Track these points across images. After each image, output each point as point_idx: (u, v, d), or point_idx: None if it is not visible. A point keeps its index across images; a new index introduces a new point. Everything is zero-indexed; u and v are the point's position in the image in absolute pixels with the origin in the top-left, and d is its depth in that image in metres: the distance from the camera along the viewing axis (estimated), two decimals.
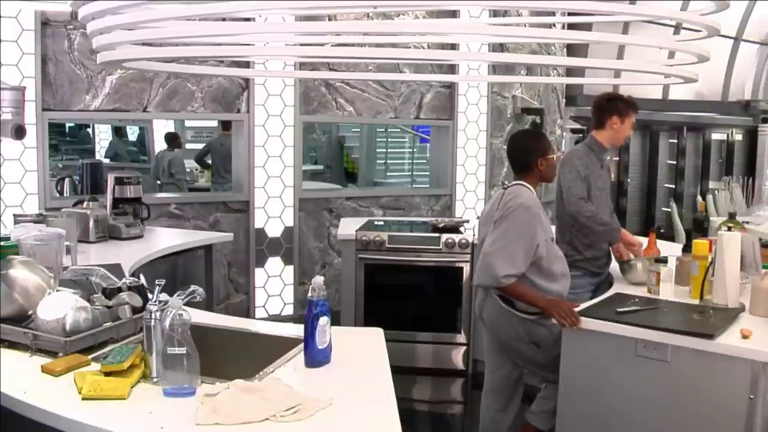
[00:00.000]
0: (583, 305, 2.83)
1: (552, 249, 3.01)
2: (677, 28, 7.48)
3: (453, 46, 5.32)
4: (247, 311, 5.63)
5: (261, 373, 1.98)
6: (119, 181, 4.39)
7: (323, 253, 6.03)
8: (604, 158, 3.66)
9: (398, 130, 10.30)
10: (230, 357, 2.24)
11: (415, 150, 10.74)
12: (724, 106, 10.68)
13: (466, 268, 4.52)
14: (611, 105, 3.55)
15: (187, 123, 9.89)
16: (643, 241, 3.58)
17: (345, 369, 2.07)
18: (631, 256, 3.41)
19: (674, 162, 10.50)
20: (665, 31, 8.16)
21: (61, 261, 2.86)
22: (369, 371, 2.07)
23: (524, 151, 3.07)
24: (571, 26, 4.76)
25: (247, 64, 5.22)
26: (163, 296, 1.92)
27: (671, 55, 6.48)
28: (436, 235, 4.60)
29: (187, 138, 9.98)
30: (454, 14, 5.95)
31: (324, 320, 2.05)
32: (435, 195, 6.58)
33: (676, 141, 10.45)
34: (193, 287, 1.97)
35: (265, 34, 3.47)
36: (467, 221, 4.96)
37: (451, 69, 5.92)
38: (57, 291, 2.26)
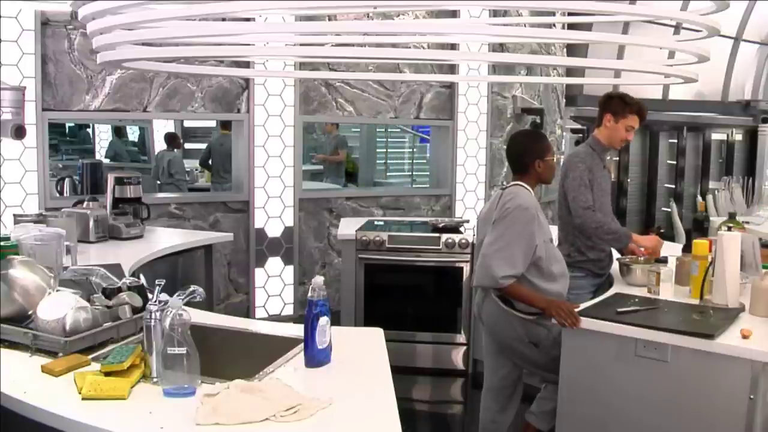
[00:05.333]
0: (583, 305, 2.82)
1: (550, 250, 3.01)
2: (677, 28, 7.48)
3: (453, 46, 5.32)
4: (247, 311, 5.63)
5: (261, 373, 1.98)
6: (119, 181, 4.39)
7: (323, 253, 6.03)
8: (605, 158, 3.65)
9: (398, 130, 10.29)
10: (230, 357, 2.24)
11: (415, 150, 10.74)
12: (724, 106, 10.67)
13: (466, 268, 4.52)
14: (608, 102, 3.53)
15: (186, 123, 9.88)
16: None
17: (345, 369, 2.07)
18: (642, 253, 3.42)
19: (674, 162, 10.49)
20: (665, 31, 8.15)
21: (61, 261, 2.86)
22: (369, 371, 2.07)
23: (522, 152, 3.08)
24: (571, 26, 4.76)
25: (247, 64, 5.22)
26: (163, 296, 1.92)
27: (671, 55, 6.48)
28: (436, 235, 4.60)
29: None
30: (454, 14, 5.95)
31: (324, 320, 2.05)
32: (435, 195, 6.58)
33: (676, 141, 10.44)
34: (193, 287, 1.97)
35: (265, 34, 3.47)
36: (467, 221, 4.97)
37: (451, 69, 5.92)
38: (57, 291, 2.26)
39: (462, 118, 6.45)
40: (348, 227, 4.82)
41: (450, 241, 4.54)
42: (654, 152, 10.17)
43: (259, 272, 5.67)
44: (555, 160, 3.11)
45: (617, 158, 9.42)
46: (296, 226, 5.77)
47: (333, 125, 8.94)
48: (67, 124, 9.61)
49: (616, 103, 3.51)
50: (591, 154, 3.52)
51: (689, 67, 3.33)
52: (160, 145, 9.08)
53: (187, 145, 9.94)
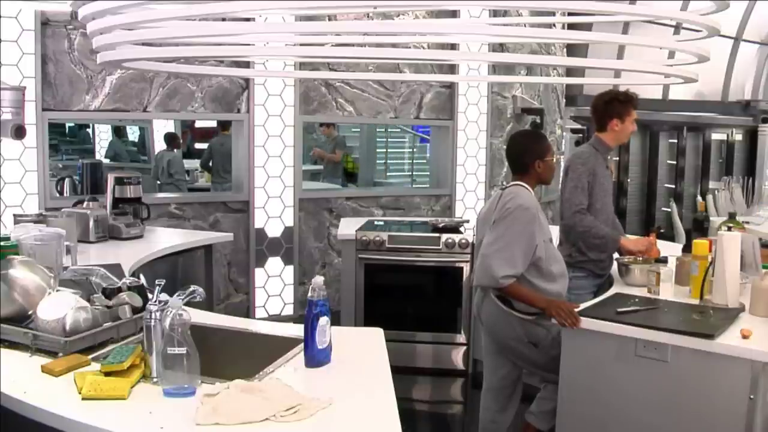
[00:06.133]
0: (583, 305, 2.82)
1: (550, 250, 3.01)
2: (677, 28, 7.48)
3: (453, 46, 5.32)
4: (247, 311, 5.63)
5: (261, 373, 1.98)
6: (119, 181, 4.39)
7: (323, 253, 6.03)
8: (608, 158, 3.66)
9: (398, 130, 10.29)
10: (230, 357, 2.24)
11: (415, 150, 10.72)
12: (724, 106, 10.67)
13: (466, 268, 4.52)
14: (609, 108, 3.52)
15: (196, 123, 9.87)
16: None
17: (345, 369, 2.07)
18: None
19: (674, 162, 10.49)
20: (665, 31, 8.15)
21: (61, 261, 2.86)
22: (369, 371, 2.07)
23: (522, 152, 3.08)
24: (571, 26, 4.76)
25: (247, 64, 5.22)
26: (163, 296, 1.92)
27: (671, 55, 6.48)
28: (436, 235, 4.59)
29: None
30: (454, 14, 5.95)
31: (324, 320, 2.05)
32: (435, 195, 6.58)
33: (676, 141, 10.44)
34: (193, 287, 1.97)
35: (265, 34, 3.47)
36: (467, 221, 4.96)
37: (451, 69, 5.92)
38: (57, 291, 2.26)
39: (462, 118, 6.45)
40: (348, 227, 4.82)
41: (450, 241, 4.54)
42: (654, 152, 10.17)
43: (259, 272, 5.67)
44: (555, 160, 3.10)
45: (617, 158, 9.42)
46: (296, 226, 5.77)
47: (330, 127, 8.94)
48: (67, 124, 9.61)
49: (617, 106, 3.51)
50: (594, 155, 3.52)
51: (689, 67, 3.33)
52: (160, 145, 9.08)
53: (198, 145, 9.95)
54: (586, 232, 3.40)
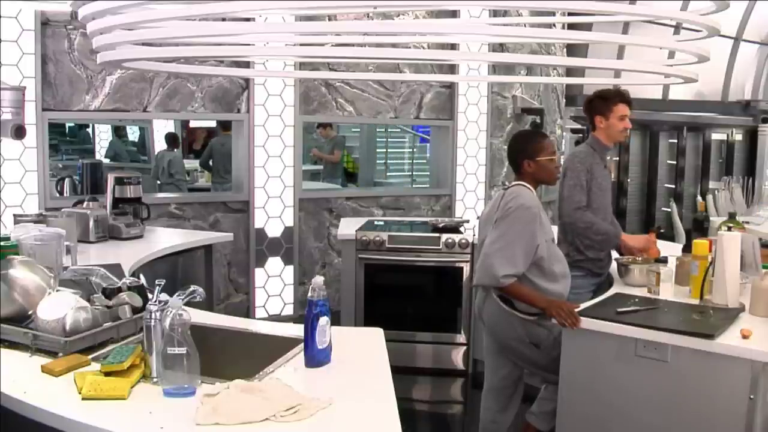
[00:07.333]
0: (583, 305, 2.82)
1: (552, 249, 3.01)
2: (677, 28, 7.48)
3: (453, 46, 5.32)
4: (247, 311, 5.63)
5: (261, 373, 1.98)
6: (119, 181, 4.39)
7: (323, 253, 6.03)
8: (606, 157, 3.67)
9: (398, 130, 10.29)
10: (230, 357, 2.24)
11: (415, 150, 10.72)
12: (724, 106, 10.66)
13: (466, 268, 4.52)
14: (591, 106, 3.59)
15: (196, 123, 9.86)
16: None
17: (345, 369, 2.07)
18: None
19: (674, 162, 10.49)
20: (665, 31, 8.15)
21: (61, 261, 2.86)
22: (369, 371, 2.07)
23: (514, 152, 3.11)
24: (571, 26, 4.76)
25: (247, 64, 5.22)
26: (163, 296, 1.92)
27: (671, 55, 6.48)
28: (436, 235, 4.60)
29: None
30: (454, 14, 5.95)
31: (324, 320, 2.05)
32: (435, 195, 6.58)
33: (676, 141, 10.44)
34: (193, 287, 1.97)
35: (265, 34, 3.47)
36: (467, 221, 4.97)
37: (451, 69, 5.92)
38: (57, 291, 2.26)
39: (462, 118, 6.45)
40: (348, 227, 4.82)
41: (450, 241, 4.54)
42: (654, 152, 10.17)
43: (259, 272, 5.67)
44: (553, 159, 3.09)
45: (617, 158, 9.42)
46: (296, 226, 5.77)
47: (327, 128, 8.94)
48: (67, 124, 9.61)
49: (598, 104, 3.55)
50: (591, 154, 3.54)
51: (689, 67, 3.33)
52: (160, 145, 9.07)
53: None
54: (588, 229, 3.40)
